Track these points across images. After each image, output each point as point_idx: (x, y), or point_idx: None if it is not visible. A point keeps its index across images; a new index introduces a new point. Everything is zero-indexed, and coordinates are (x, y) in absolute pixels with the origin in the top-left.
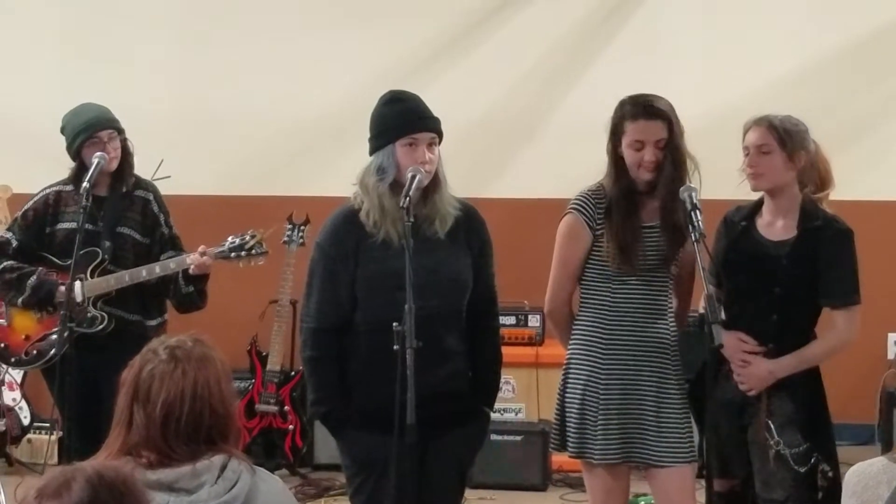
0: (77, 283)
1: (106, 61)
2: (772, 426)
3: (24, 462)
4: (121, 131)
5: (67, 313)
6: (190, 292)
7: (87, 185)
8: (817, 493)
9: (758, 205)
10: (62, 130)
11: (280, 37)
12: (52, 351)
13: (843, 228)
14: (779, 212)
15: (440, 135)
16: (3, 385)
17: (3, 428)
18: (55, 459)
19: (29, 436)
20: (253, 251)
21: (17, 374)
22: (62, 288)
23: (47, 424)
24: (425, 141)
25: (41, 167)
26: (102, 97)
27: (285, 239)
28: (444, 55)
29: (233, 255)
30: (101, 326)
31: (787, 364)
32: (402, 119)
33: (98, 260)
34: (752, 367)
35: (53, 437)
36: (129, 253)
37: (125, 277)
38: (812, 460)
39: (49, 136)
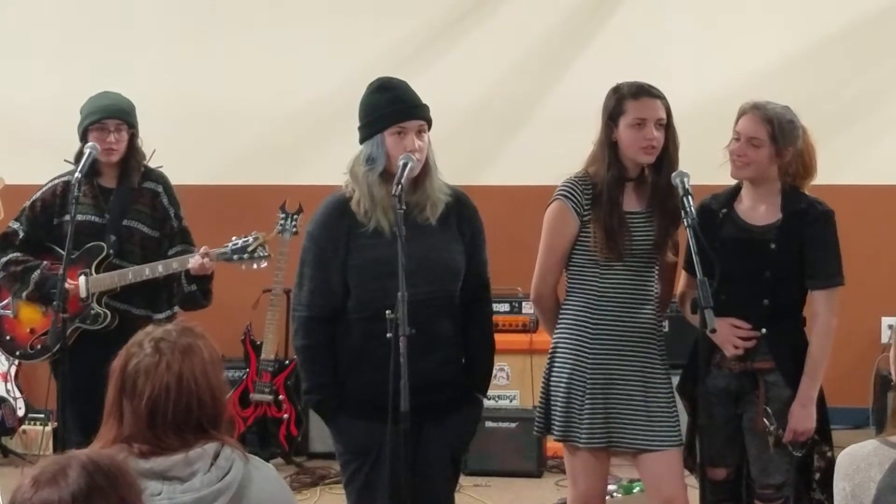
0: (82, 278)
1: (101, 53)
2: (770, 412)
3: (18, 453)
4: (132, 125)
5: (61, 304)
6: (192, 291)
7: (79, 176)
8: (813, 476)
9: (735, 191)
10: (80, 110)
11: (272, 27)
12: (58, 345)
13: (825, 210)
14: (759, 198)
15: (429, 121)
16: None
17: None
18: (49, 451)
19: (24, 427)
20: (255, 254)
21: (11, 366)
22: (67, 283)
23: (41, 416)
24: (414, 129)
25: (35, 159)
26: (97, 88)
27: (278, 228)
28: (436, 43)
29: (235, 257)
30: (104, 323)
31: (806, 385)
32: (389, 108)
33: (103, 254)
34: (793, 423)
35: (48, 429)
36: (137, 246)
37: (129, 275)
38: (809, 443)
39: (43, 128)
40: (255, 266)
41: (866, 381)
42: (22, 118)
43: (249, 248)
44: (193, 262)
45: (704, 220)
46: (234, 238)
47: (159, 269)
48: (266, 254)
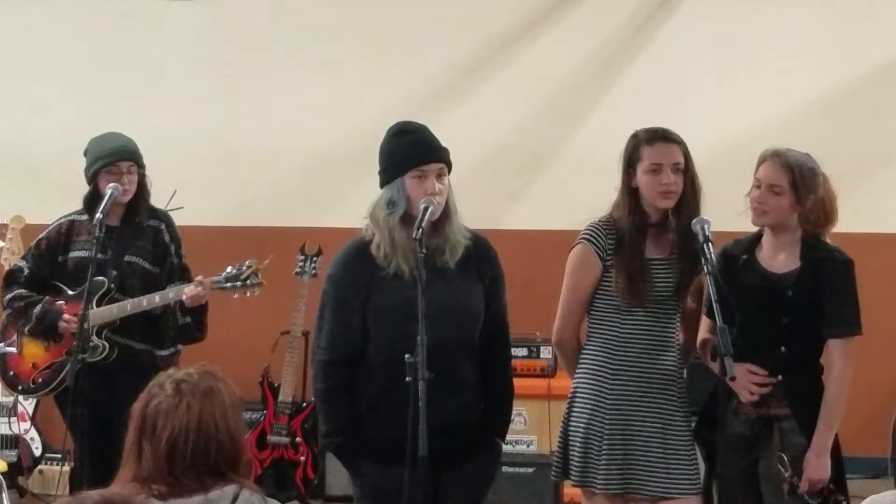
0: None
1: (121, 94)
2: (785, 459)
3: (35, 493)
4: (141, 166)
5: (79, 344)
6: (187, 323)
7: (101, 216)
8: None
9: (756, 238)
10: (85, 153)
11: (292, 69)
12: (58, 379)
13: (844, 259)
14: (780, 245)
15: (449, 164)
16: (16, 415)
17: (15, 459)
18: (67, 490)
19: (40, 467)
20: (248, 282)
21: (29, 405)
22: (66, 317)
23: (59, 455)
24: (434, 172)
25: (55, 198)
26: (117, 129)
27: (297, 270)
28: (456, 87)
29: (228, 284)
30: (102, 355)
31: (822, 433)
32: (409, 151)
33: (104, 289)
34: (808, 472)
35: (65, 468)
36: (138, 281)
37: (127, 306)
38: (825, 492)
39: (63, 168)
40: (247, 294)
41: (885, 431)
42: (43, 159)
43: (242, 276)
44: (188, 291)
45: (725, 265)
46: (228, 267)
47: (156, 299)
48: (258, 281)
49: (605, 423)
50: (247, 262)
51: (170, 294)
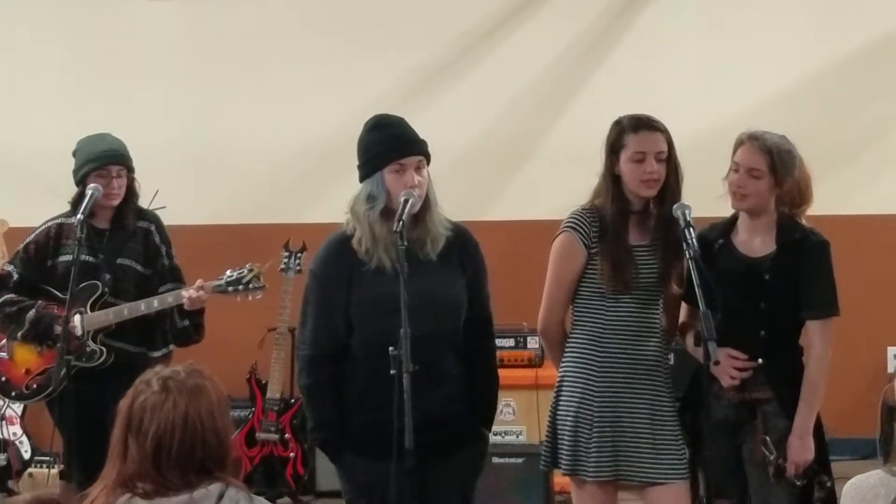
0: (77, 317)
1: (105, 94)
2: (769, 441)
3: None
4: (131, 169)
5: (65, 347)
6: (185, 326)
7: (81, 217)
8: None
9: (732, 221)
10: (74, 153)
11: (275, 66)
12: (53, 384)
13: (820, 240)
14: (756, 229)
15: (427, 156)
16: (4, 419)
17: (5, 462)
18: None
19: (30, 470)
20: (251, 285)
21: (17, 408)
22: (61, 321)
23: (48, 458)
24: (413, 164)
25: (38, 201)
26: (101, 128)
27: (282, 266)
28: (437, 80)
29: (230, 289)
30: (100, 360)
31: (803, 414)
32: (387, 145)
33: (98, 293)
34: (791, 455)
35: (54, 471)
36: (131, 284)
37: (124, 311)
38: (809, 473)
39: (47, 171)
40: (250, 297)
41: (873, 412)
42: (27, 162)
43: (245, 280)
44: (188, 294)
45: (701, 250)
46: (228, 271)
47: (154, 303)
48: (261, 284)
49: (594, 411)
50: (247, 266)
51: (169, 299)
